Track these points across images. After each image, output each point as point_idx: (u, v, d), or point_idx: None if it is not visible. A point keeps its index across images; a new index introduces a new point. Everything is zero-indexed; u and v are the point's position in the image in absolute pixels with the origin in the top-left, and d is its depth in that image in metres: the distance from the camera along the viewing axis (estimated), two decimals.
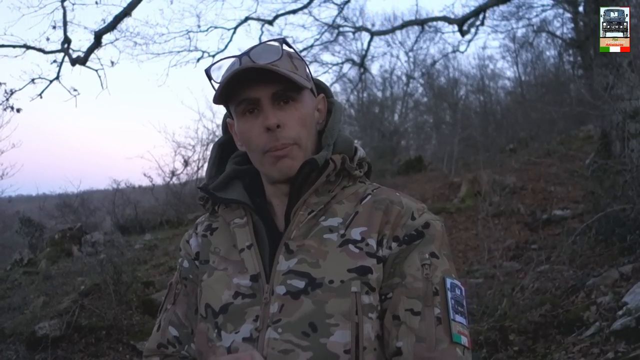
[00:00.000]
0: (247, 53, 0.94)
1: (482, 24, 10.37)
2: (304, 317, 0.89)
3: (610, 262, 4.05)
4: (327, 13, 31.70)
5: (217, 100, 0.97)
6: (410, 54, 18.29)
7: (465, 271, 5.18)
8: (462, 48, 14.42)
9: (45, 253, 8.89)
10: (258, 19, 10.68)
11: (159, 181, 14.25)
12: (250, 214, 1.00)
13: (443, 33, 13.00)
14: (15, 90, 8.11)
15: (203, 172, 15.68)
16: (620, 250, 4.14)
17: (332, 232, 0.95)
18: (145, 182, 14.15)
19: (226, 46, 11.43)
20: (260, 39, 10.99)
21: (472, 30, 10.45)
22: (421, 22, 11.52)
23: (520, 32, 16.23)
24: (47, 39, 9.19)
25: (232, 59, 0.97)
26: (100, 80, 8.93)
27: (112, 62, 9.04)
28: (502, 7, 11.52)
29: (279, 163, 0.94)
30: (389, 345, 0.89)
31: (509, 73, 24.51)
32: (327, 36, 11.59)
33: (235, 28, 10.66)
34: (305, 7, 10.37)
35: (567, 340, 3.23)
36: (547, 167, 8.58)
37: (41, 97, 8.51)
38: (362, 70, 13.49)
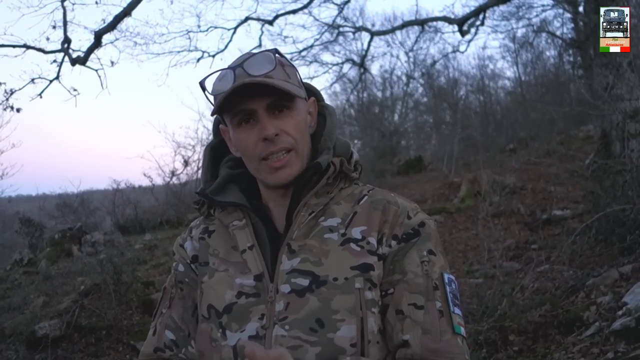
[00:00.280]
0: (240, 65, 0.96)
1: (482, 24, 10.37)
2: (310, 314, 0.92)
3: (610, 262, 4.05)
4: (327, 13, 31.70)
5: (214, 112, 1.00)
6: (410, 54, 18.29)
7: (465, 271, 5.19)
8: (462, 48, 14.45)
9: (45, 253, 8.89)
10: (258, 19, 10.69)
11: (159, 181, 14.25)
12: (248, 216, 1.02)
13: (443, 33, 13.01)
14: (15, 90, 8.12)
15: None
16: (620, 251, 4.14)
17: (333, 232, 0.98)
18: (145, 182, 14.14)
19: (226, 46, 11.49)
20: (260, 39, 11.00)
21: (472, 30, 10.46)
22: (421, 22, 11.52)
23: (520, 32, 16.24)
24: (47, 39, 9.19)
25: (225, 71, 0.98)
26: (100, 80, 8.94)
27: (112, 62, 9.05)
28: (502, 7, 11.52)
29: (276, 173, 0.97)
30: (393, 339, 0.93)
31: (509, 73, 24.53)
32: (327, 36, 11.60)
33: (235, 28, 10.67)
34: (305, 7, 10.37)
35: (567, 340, 3.23)
36: (547, 167, 8.58)
37: (41, 97, 8.52)
38: (362, 70, 13.49)
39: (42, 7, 8.39)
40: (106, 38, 8.80)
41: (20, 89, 8.21)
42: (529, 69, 19.74)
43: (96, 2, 8.47)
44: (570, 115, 11.21)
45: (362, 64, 13.07)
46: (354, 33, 12.61)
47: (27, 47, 8.46)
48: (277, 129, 0.96)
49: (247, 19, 10.61)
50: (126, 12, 8.40)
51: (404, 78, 20.84)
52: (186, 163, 14.84)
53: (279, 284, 0.95)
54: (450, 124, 18.87)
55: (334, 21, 11.21)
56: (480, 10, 9.82)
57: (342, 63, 13.68)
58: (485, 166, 9.27)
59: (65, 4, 8.46)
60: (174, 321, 1.06)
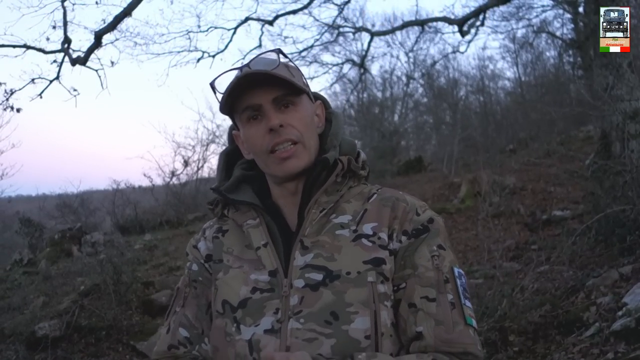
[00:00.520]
0: (247, 65, 1.01)
1: (482, 24, 10.37)
2: (325, 307, 0.95)
3: (610, 263, 4.04)
4: (327, 13, 31.76)
5: (223, 109, 1.04)
6: (410, 54, 18.28)
7: (465, 272, 5.15)
8: (462, 48, 14.42)
9: (45, 253, 8.89)
10: (258, 20, 10.67)
11: (158, 181, 14.26)
12: (262, 215, 1.06)
13: (443, 33, 12.98)
14: (15, 90, 8.10)
15: (203, 173, 15.68)
16: (620, 251, 4.14)
17: (344, 229, 1.02)
18: (145, 183, 14.15)
19: (226, 46, 11.45)
20: (260, 39, 10.98)
21: (472, 30, 10.45)
22: (421, 23, 11.51)
23: (520, 33, 16.26)
24: (47, 39, 9.17)
25: (234, 72, 1.03)
26: (100, 80, 8.93)
27: (112, 62, 9.03)
28: (502, 8, 11.52)
29: (284, 164, 1.01)
30: (406, 332, 0.97)
31: (509, 73, 24.47)
32: (327, 36, 11.59)
33: (236, 28, 10.65)
34: (305, 7, 10.36)
35: (567, 341, 3.23)
36: (547, 167, 8.58)
37: (41, 97, 8.50)
38: (362, 70, 13.49)
39: (42, 7, 8.37)
40: (106, 38, 8.79)
41: (20, 89, 8.19)
42: (529, 69, 19.76)
43: (96, 2, 8.47)
44: (570, 115, 11.21)
45: (362, 65, 13.06)
46: (354, 33, 12.60)
47: (27, 47, 8.45)
48: (282, 121, 1.00)
49: (247, 19, 10.60)
50: (126, 12, 8.40)
51: (404, 78, 20.85)
52: (186, 163, 14.85)
53: (292, 279, 0.98)
54: (450, 125, 18.87)
55: (334, 21, 11.20)
56: (480, 11, 9.82)
57: (342, 63, 13.67)
58: (485, 167, 9.27)
59: (66, 4, 8.46)
60: (187, 319, 1.09)
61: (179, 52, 10.35)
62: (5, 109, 7.92)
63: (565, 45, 16.13)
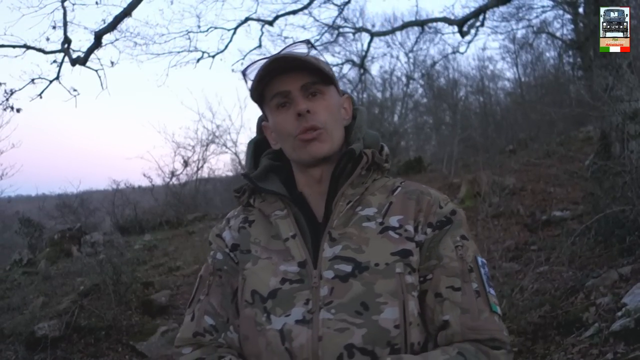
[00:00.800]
0: (276, 54, 1.04)
1: (482, 25, 10.38)
2: (355, 298, 0.97)
3: (609, 263, 4.04)
4: (327, 14, 31.77)
5: (253, 96, 1.08)
6: (410, 54, 18.33)
7: None
8: (462, 49, 14.42)
9: (45, 253, 8.90)
10: (258, 20, 10.68)
11: (158, 181, 14.28)
12: (289, 206, 1.08)
13: (443, 34, 13.01)
14: (15, 90, 8.11)
15: (202, 173, 15.69)
16: (620, 252, 4.13)
17: (370, 221, 1.04)
18: (144, 183, 14.18)
19: (226, 47, 11.46)
20: (260, 39, 11.00)
21: (472, 31, 10.47)
22: (421, 23, 11.52)
23: (520, 33, 16.30)
24: (47, 39, 9.19)
25: (264, 60, 1.05)
26: (100, 80, 8.94)
27: (112, 63, 9.05)
28: (502, 8, 11.55)
29: (308, 146, 1.03)
30: (433, 321, 0.99)
31: (509, 74, 24.48)
32: (327, 37, 11.61)
33: (235, 29, 10.66)
34: (305, 7, 10.37)
35: (566, 341, 3.23)
36: (546, 168, 8.58)
37: (41, 97, 8.51)
38: (362, 71, 13.50)
39: (42, 7, 8.39)
40: (106, 38, 8.80)
41: (20, 89, 8.20)
42: (529, 70, 19.78)
43: (96, 3, 8.48)
44: (570, 116, 11.21)
45: (362, 65, 13.07)
46: (354, 34, 12.62)
47: (27, 47, 8.45)
48: (310, 107, 1.03)
49: (247, 19, 10.62)
50: (126, 12, 8.40)
51: (403, 79, 20.86)
52: (186, 163, 14.87)
53: (322, 270, 1.00)
54: (450, 125, 18.87)
55: (334, 22, 11.22)
56: (480, 11, 9.83)
57: (342, 64, 13.69)
58: (484, 167, 9.26)
59: (66, 4, 8.47)
60: (212, 307, 1.09)
61: (178, 52, 10.38)
62: (5, 109, 7.92)
63: (565, 46, 16.15)
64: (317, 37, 11.30)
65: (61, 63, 8.59)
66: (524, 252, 5.28)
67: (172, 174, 14.51)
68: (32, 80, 8.36)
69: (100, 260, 6.22)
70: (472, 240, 1.06)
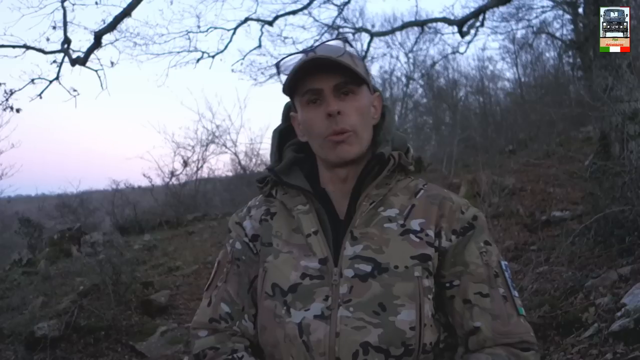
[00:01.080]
0: (313, 49, 1.05)
1: (482, 25, 10.39)
2: (373, 298, 0.99)
3: (609, 264, 4.04)
4: (327, 14, 31.72)
5: (285, 90, 1.09)
6: (410, 55, 18.34)
7: None
8: (461, 49, 14.38)
9: (44, 253, 8.89)
10: (258, 20, 10.67)
11: (158, 182, 14.27)
12: (312, 201, 1.09)
13: (443, 34, 13.01)
14: (15, 91, 8.09)
15: (202, 173, 15.68)
16: (619, 252, 4.13)
17: (392, 222, 1.06)
18: (144, 183, 14.17)
19: (226, 47, 11.44)
20: (260, 39, 10.99)
21: (472, 31, 10.47)
22: (421, 23, 11.52)
23: (520, 34, 16.30)
24: (47, 39, 9.17)
25: (299, 55, 1.07)
26: (100, 80, 8.93)
27: (112, 63, 9.03)
28: (502, 9, 11.56)
29: (337, 148, 1.04)
30: (462, 326, 1.03)
31: (509, 74, 24.45)
32: (327, 37, 11.57)
33: (235, 29, 10.65)
34: (305, 8, 10.37)
35: (565, 342, 3.23)
36: (546, 168, 8.58)
37: (41, 98, 8.49)
38: None
39: (42, 7, 8.37)
40: (106, 38, 8.80)
41: (20, 90, 8.19)
42: (529, 70, 19.74)
43: (96, 3, 8.47)
44: (569, 116, 11.22)
45: None
46: (353, 34, 12.59)
47: (27, 47, 8.44)
48: (341, 108, 1.03)
49: (246, 19, 10.61)
50: (126, 12, 8.40)
51: (403, 79, 20.87)
52: (185, 163, 14.85)
53: (342, 268, 1.02)
54: (450, 125, 18.87)
55: (333, 22, 11.21)
56: (480, 12, 9.83)
57: None
58: (484, 167, 9.24)
59: (65, 4, 8.46)
60: (229, 295, 1.12)
61: (178, 52, 10.37)
62: (5, 109, 7.92)
63: (565, 46, 16.15)
64: (317, 37, 11.30)
65: (61, 63, 8.59)
66: (523, 252, 5.27)
67: (172, 174, 14.50)
68: (32, 80, 8.35)
69: (99, 261, 6.22)
70: (494, 244, 1.09)
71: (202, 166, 15.43)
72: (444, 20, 10.87)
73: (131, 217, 12.19)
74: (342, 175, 1.09)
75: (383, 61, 28.42)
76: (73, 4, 8.71)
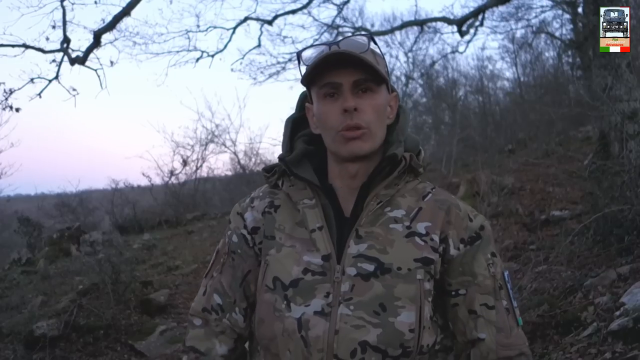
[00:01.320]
0: (336, 43, 1.04)
1: (482, 24, 10.41)
2: (374, 298, 0.99)
3: (608, 263, 4.04)
4: (327, 13, 31.78)
5: (304, 81, 1.07)
6: (410, 54, 18.26)
7: None
8: (461, 49, 14.45)
9: (44, 252, 8.90)
10: (257, 19, 10.69)
11: (157, 181, 14.28)
12: (318, 196, 1.08)
13: (442, 34, 13.03)
14: (15, 90, 8.11)
15: (202, 172, 15.68)
16: (618, 251, 4.13)
17: (397, 223, 1.05)
18: (144, 182, 14.18)
19: (225, 46, 11.51)
20: (259, 39, 10.99)
21: (472, 30, 10.49)
22: (420, 23, 11.53)
23: (519, 33, 16.28)
24: (47, 39, 9.19)
25: (322, 47, 1.06)
26: (100, 80, 8.97)
27: (112, 62, 9.07)
28: (502, 8, 11.56)
29: (350, 143, 1.03)
30: (465, 334, 1.05)
31: (508, 74, 24.43)
32: (326, 36, 11.58)
33: (235, 28, 10.68)
34: (304, 7, 10.38)
35: (564, 341, 3.23)
36: (545, 167, 8.58)
37: (40, 97, 8.52)
38: None
39: (41, 7, 8.39)
40: (105, 38, 8.82)
41: (19, 89, 8.22)
42: (528, 69, 19.72)
43: (95, 2, 8.48)
44: (569, 116, 11.22)
45: None
46: (353, 33, 12.59)
47: (26, 46, 8.45)
48: (358, 105, 1.02)
49: (246, 19, 10.62)
50: (125, 11, 8.41)
51: (403, 78, 20.78)
52: (185, 163, 14.86)
53: (345, 266, 1.02)
54: (449, 125, 18.86)
55: (333, 21, 11.23)
56: (479, 11, 9.84)
57: None
58: (484, 167, 9.26)
59: (65, 3, 8.47)
60: (222, 286, 1.13)
61: (178, 51, 10.41)
62: (4, 109, 7.93)
63: (565, 46, 16.14)
64: (316, 37, 11.31)
65: (60, 62, 8.61)
66: (522, 252, 5.28)
67: (171, 173, 14.52)
68: (32, 79, 8.37)
69: (99, 260, 6.22)
70: (498, 255, 1.10)
71: (201, 165, 15.45)
72: (444, 19, 10.89)
73: (130, 217, 12.20)
74: (352, 171, 1.08)
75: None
76: (72, 3, 8.72)
